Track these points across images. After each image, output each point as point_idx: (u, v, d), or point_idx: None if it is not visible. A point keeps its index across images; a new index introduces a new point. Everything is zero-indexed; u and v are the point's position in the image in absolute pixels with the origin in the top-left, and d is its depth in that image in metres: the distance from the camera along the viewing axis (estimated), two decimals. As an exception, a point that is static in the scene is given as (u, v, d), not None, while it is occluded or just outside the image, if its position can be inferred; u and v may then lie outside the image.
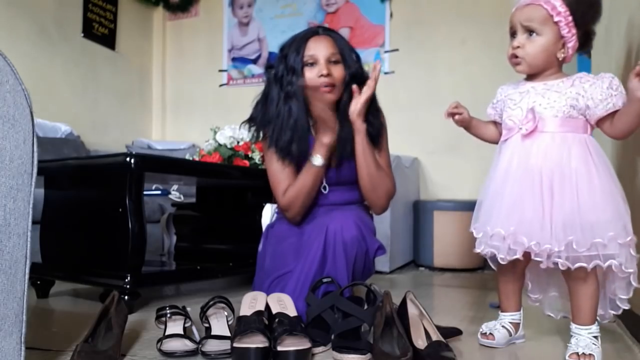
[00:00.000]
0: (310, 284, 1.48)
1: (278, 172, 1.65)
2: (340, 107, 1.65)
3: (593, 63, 2.24)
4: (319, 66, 1.59)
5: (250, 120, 1.71)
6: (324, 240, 1.52)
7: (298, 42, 1.62)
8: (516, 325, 1.41)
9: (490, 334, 1.37)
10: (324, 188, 1.69)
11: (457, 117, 1.45)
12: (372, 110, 1.67)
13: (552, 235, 1.19)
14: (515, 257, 1.24)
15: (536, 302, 1.48)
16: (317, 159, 1.58)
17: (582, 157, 1.21)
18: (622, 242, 1.16)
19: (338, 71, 1.62)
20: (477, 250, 1.33)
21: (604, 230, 1.16)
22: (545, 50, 1.25)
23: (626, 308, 1.27)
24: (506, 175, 1.29)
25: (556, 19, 1.22)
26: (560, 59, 1.28)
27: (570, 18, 1.22)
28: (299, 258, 1.58)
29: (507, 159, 1.30)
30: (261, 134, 1.70)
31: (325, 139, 1.58)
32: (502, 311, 1.43)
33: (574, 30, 1.24)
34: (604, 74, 1.24)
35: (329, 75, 1.59)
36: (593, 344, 1.21)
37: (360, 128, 1.61)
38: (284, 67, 1.62)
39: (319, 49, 1.60)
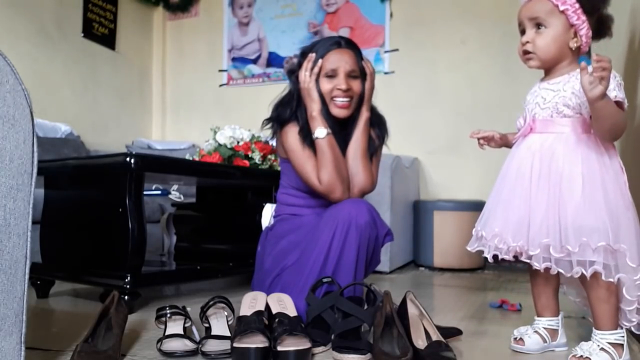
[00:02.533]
0: (324, 273, 1.48)
1: (306, 163, 1.63)
2: (353, 121, 1.67)
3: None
4: (338, 79, 1.61)
5: (271, 120, 1.73)
6: (336, 227, 1.50)
7: (320, 52, 1.63)
8: (552, 332, 1.33)
9: (521, 339, 1.32)
10: None
11: (482, 142, 1.42)
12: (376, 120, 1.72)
13: (529, 238, 1.19)
14: (505, 256, 1.24)
15: (578, 302, 1.44)
16: (320, 132, 1.59)
17: (571, 159, 1.17)
18: (595, 248, 1.09)
19: (356, 86, 1.64)
20: (469, 248, 1.35)
21: (579, 235, 1.11)
22: (556, 41, 1.21)
23: (625, 326, 1.20)
24: (503, 177, 1.31)
25: (562, 7, 1.19)
26: (573, 49, 1.23)
27: (577, 5, 1.19)
28: (303, 250, 1.58)
29: (507, 162, 1.32)
30: (277, 133, 1.72)
31: (313, 111, 1.61)
32: (537, 315, 1.37)
33: (583, 17, 1.20)
34: None
35: (348, 90, 1.61)
36: (601, 349, 1.15)
37: (364, 115, 1.65)
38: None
39: (340, 63, 1.61)
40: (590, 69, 1.05)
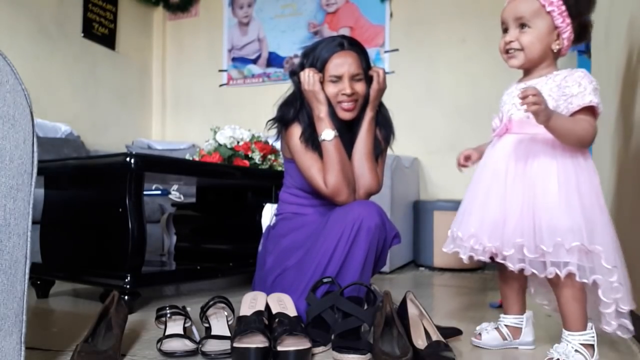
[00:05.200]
0: (329, 274, 1.48)
1: (312, 165, 1.62)
2: (358, 122, 1.66)
3: (593, 63, 2.24)
4: (342, 84, 1.61)
5: (275, 120, 1.72)
6: (348, 229, 1.49)
7: (323, 55, 1.62)
8: (515, 330, 1.35)
9: (479, 334, 1.36)
10: None
11: (469, 163, 1.43)
12: (383, 121, 1.72)
13: (504, 238, 1.19)
14: (480, 257, 1.24)
15: (546, 306, 1.44)
16: (327, 134, 1.59)
17: (546, 160, 1.18)
18: (569, 248, 1.10)
19: (360, 88, 1.63)
20: (445, 249, 1.35)
21: (553, 235, 1.11)
22: (540, 41, 1.22)
23: (606, 330, 1.19)
24: (479, 178, 1.31)
25: (549, 8, 1.20)
26: (555, 51, 1.24)
27: (563, 7, 1.20)
28: (308, 250, 1.58)
29: (482, 163, 1.33)
30: (281, 133, 1.71)
31: (321, 113, 1.60)
32: (503, 313, 1.39)
33: (568, 20, 1.21)
34: (577, 70, 1.20)
35: (353, 94, 1.61)
36: (576, 350, 1.16)
37: (368, 115, 1.65)
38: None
39: (344, 67, 1.60)
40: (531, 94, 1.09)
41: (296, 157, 1.66)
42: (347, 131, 1.66)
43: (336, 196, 1.58)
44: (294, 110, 1.67)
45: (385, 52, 3.83)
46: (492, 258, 1.27)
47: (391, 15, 3.83)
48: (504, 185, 1.23)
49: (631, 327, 1.19)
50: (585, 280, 1.13)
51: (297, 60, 1.74)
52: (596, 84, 1.18)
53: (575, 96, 1.16)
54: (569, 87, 1.18)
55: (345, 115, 1.63)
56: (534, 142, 1.21)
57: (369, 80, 1.66)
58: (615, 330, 1.19)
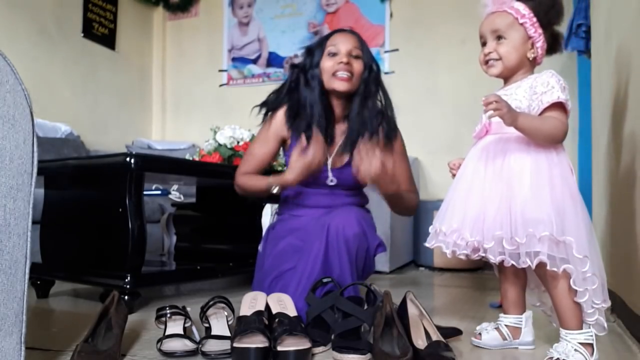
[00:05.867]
0: (313, 281, 1.49)
1: (252, 154, 1.76)
2: (353, 102, 1.70)
3: (593, 63, 2.24)
4: (339, 56, 1.65)
5: (264, 104, 1.77)
6: (326, 237, 1.52)
7: (323, 38, 1.72)
8: (515, 330, 1.36)
9: (479, 333, 1.37)
10: (331, 180, 1.70)
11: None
12: (388, 110, 1.76)
13: (484, 232, 1.22)
14: (463, 252, 1.27)
15: (539, 307, 1.44)
16: (276, 189, 1.64)
17: (520, 156, 1.24)
18: (540, 237, 1.13)
19: (357, 65, 1.67)
20: (427, 244, 1.37)
21: (526, 227, 1.15)
22: (516, 50, 1.30)
23: (588, 323, 1.20)
24: (460, 176, 1.35)
25: (521, 20, 1.29)
26: (530, 59, 1.32)
27: (534, 19, 1.29)
28: (300, 256, 1.58)
29: (465, 162, 1.38)
30: (268, 116, 1.76)
31: (291, 180, 1.58)
32: (503, 312, 1.40)
33: (540, 30, 1.30)
34: (546, 71, 1.27)
35: (348, 63, 1.64)
36: (575, 350, 1.16)
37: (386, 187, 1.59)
38: (309, 60, 1.71)
39: (342, 42, 1.67)
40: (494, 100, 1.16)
41: (255, 139, 1.78)
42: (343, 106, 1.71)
43: (235, 185, 1.79)
44: (279, 96, 1.73)
45: (385, 52, 3.83)
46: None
47: (391, 15, 3.83)
48: (483, 181, 1.27)
49: (605, 325, 1.21)
50: (555, 269, 1.16)
51: (297, 60, 1.77)
52: (564, 82, 1.25)
53: (545, 94, 1.23)
54: (539, 87, 1.24)
55: (340, 86, 1.65)
56: (510, 141, 1.27)
57: (366, 63, 1.69)
58: (595, 327, 1.21)
